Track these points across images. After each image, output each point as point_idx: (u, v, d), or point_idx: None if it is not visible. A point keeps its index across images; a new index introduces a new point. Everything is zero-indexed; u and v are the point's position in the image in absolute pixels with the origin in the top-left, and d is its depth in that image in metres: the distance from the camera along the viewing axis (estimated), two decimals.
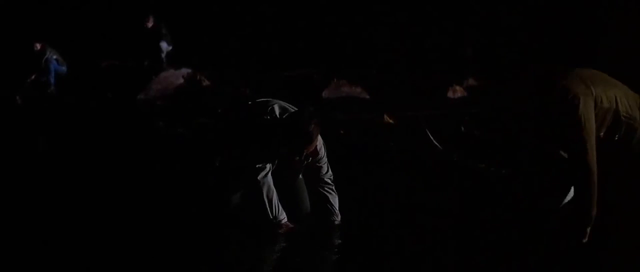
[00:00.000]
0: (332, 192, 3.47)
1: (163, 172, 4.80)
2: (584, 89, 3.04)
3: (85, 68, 10.93)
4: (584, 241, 3.08)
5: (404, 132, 6.55)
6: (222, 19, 11.75)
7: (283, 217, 3.33)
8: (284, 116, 3.31)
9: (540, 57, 9.44)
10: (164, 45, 10.76)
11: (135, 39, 10.78)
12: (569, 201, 3.32)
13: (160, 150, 6.00)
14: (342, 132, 6.52)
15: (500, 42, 10.78)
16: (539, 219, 3.45)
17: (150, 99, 9.80)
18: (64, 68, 10.86)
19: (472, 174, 4.68)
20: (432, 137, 5.52)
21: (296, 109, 3.37)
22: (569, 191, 3.32)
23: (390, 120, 7.32)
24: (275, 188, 3.31)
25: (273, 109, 3.34)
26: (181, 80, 10.13)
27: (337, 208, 3.47)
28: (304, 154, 3.27)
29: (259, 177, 3.26)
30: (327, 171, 3.45)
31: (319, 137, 3.33)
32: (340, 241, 3.30)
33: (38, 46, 10.55)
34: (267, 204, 3.28)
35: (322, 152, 3.40)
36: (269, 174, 3.30)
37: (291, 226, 3.35)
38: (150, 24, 10.69)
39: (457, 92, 10.05)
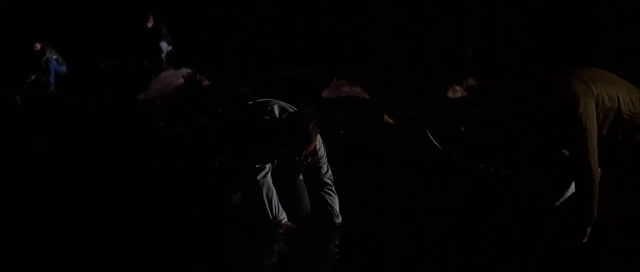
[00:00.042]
0: (332, 194, 3.46)
1: (163, 173, 4.80)
2: (584, 89, 3.04)
3: (85, 68, 10.93)
4: (584, 241, 3.08)
5: (404, 132, 6.55)
6: (222, 19, 11.76)
7: (283, 217, 3.33)
8: (283, 116, 3.31)
9: (540, 57, 9.45)
10: (164, 45, 10.76)
11: (135, 39, 10.78)
12: (569, 198, 3.32)
13: (160, 150, 6.00)
14: (342, 132, 6.52)
15: (500, 42, 10.79)
16: (539, 219, 3.45)
17: (150, 99, 9.80)
18: (64, 68, 10.86)
19: (472, 174, 4.68)
20: (432, 137, 5.52)
21: (296, 109, 3.37)
22: (568, 186, 3.33)
23: (390, 120, 7.33)
24: (276, 188, 3.31)
25: (273, 109, 3.34)
26: (181, 80, 10.13)
27: (338, 209, 3.47)
28: (303, 154, 3.27)
29: (258, 178, 3.26)
30: (327, 171, 3.45)
31: (319, 138, 3.33)
32: (340, 241, 3.30)
33: (38, 46, 10.56)
34: (266, 204, 3.28)
35: (322, 152, 3.40)
36: (269, 174, 3.29)
37: (291, 225, 3.35)
38: (150, 24, 10.70)
39: (457, 92, 10.05)
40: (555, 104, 3.04)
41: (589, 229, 3.08)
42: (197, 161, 4.70)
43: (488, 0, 11.25)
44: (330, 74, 10.19)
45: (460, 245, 3.27)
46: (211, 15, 11.73)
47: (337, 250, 3.22)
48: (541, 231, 3.34)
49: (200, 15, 11.68)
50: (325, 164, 3.44)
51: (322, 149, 3.40)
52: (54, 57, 10.68)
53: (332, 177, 3.47)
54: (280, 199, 3.33)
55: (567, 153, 3.20)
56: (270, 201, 3.29)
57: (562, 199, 3.39)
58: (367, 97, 9.85)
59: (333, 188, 3.47)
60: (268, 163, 3.28)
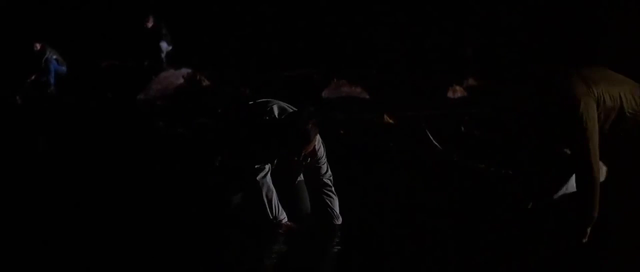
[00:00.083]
0: (332, 195, 3.46)
1: (163, 173, 4.80)
2: (585, 89, 3.04)
3: (85, 68, 10.94)
4: (584, 241, 3.08)
5: (404, 132, 6.55)
6: (222, 19, 11.76)
7: (283, 217, 3.33)
8: (282, 117, 3.31)
9: (540, 57, 9.45)
10: (164, 45, 10.77)
11: (135, 39, 10.79)
12: (569, 195, 3.32)
13: (160, 150, 6.00)
14: (342, 132, 6.52)
15: (500, 42, 10.79)
16: (539, 219, 3.45)
17: (150, 99, 9.80)
18: (64, 68, 10.87)
19: (472, 174, 4.68)
20: (431, 137, 5.52)
21: (296, 109, 3.37)
22: (567, 180, 3.33)
23: (390, 120, 7.33)
24: (276, 188, 3.31)
25: (272, 109, 3.33)
26: (181, 80, 10.13)
27: (338, 210, 3.47)
28: (302, 154, 3.26)
29: (258, 178, 3.26)
30: (327, 171, 3.45)
31: (318, 138, 3.33)
32: (340, 241, 3.30)
33: (38, 46, 10.56)
34: (266, 204, 3.28)
35: (321, 152, 3.40)
36: (268, 174, 3.29)
37: (291, 225, 3.35)
38: (150, 24, 10.70)
39: (457, 92, 10.06)
40: (556, 104, 3.04)
41: (589, 229, 3.08)
42: (197, 161, 4.70)
43: (488, 0, 11.25)
44: (330, 74, 10.19)
45: (460, 245, 3.27)
46: (211, 15, 11.73)
47: (337, 250, 3.22)
48: (541, 231, 3.34)
49: (200, 15, 11.69)
50: (325, 164, 3.44)
51: (322, 149, 3.40)
52: (54, 57, 10.68)
53: (331, 178, 3.47)
54: (281, 199, 3.33)
55: (568, 152, 3.20)
56: (270, 201, 3.29)
57: (560, 193, 3.39)
58: (367, 97, 9.86)
59: (333, 189, 3.46)
60: (268, 163, 3.28)
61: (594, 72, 3.17)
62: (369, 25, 11.59)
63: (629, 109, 3.12)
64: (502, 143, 4.19)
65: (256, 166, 3.26)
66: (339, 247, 3.24)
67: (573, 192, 3.24)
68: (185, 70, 10.25)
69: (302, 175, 3.51)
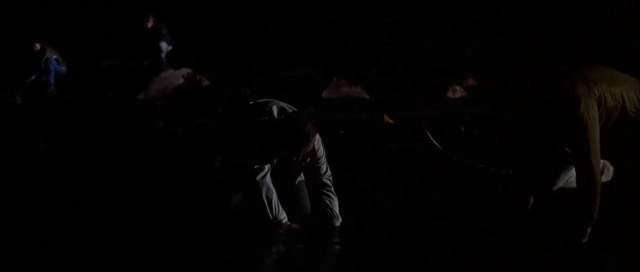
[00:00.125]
0: (332, 195, 3.46)
1: (163, 173, 4.80)
2: (585, 90, 3.03)
3: (85, 68, 10.94)
4: (584, 240, 3.08)
5: (404, 132, 6.55)
6: (222, 19, 11.76)
7: (283, 217, 3.33)
8: (281, 117, 3.31)
9: (540, 57, 9.45)
10: (164, 45, 10.77)
11: (135, 39, 10.79)
12: (569, 186, 3.32)
13: (160, 150, 6.00)
14: (342, 132, 6.52)
15: (500, 42, 10.79)
16: (539, 219, 3.45)
17: (150, 99, 9.81)
18: (64, 68, 10.87)
19: (472, 174, 4.68)
20: (431, 137, 5.52)
21: (295, 109, 3.37)
22: (567, 172, 3.33)
23: (390, 120, 7.33)
24: (276, 188, 3.31)
25: (271, 109, 3.33)
26: (181, 80, 10.14)
27: (337, 211, 3.47)
28: (301, 154, 3.27)
29: (257, 178, 3.26)
30: (326, 171, 3.45)
31: (318, 138, 3.33)
32: (340, 241, 3.30)
33: (38, 46, 10.56)
34: (266, 204, 3.28)
35: (321, 152, 3.40)
36: (268, 174, 3.29)
37: (292, 226, 3.35)
38: (150, 24, 10.70)
39: (457, 92, 10.06)
40: (556, 104, 3.04)
41: (589, 229, 3.08)
42: (197, 161, 4.70)
43: (488, 0, 11.25)
44: (330, 74, 10.19)
45: (460, 245, 3.27)
46: (211, 15, 11.73)
47: (337, 250, 3.22)
48: (541, 231, 3.34)
49: (200, 15, 11.69)
50: (325, 164, 3.44)
51: (321, 149, 3.40)
52: (54, 57, 10.68)
53: (331, 178, 3.47)
54: (281, 200, 3.33)
55: (568, 151, 3.21)
56: (269, 201, 3.29)
57: (560, 184, 3.39)
58: (367, 97, 9.86)
59: (332, 189, 3.46)
60: (267, 163, 3.28)
61: (595, 71, 3.17)
62: (369, 25, 11.59)
63: (631, 109, 3.12)
64: (502, 143, 4.18)
65: (256, 166, 3.26)
66: (339, 247, 3.24)
67: (573, 187, 3.24)
68: (185, 70, 10.25)
69: (302, 175, 3.51)
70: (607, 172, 3.57)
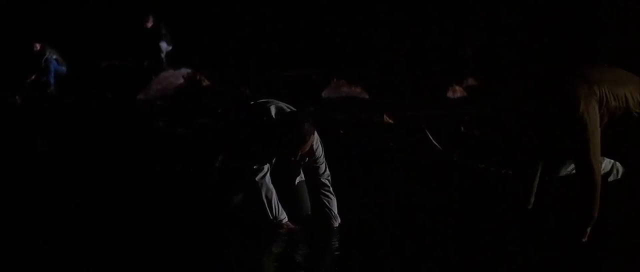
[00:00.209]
0: (330, 195, 3.45)
1: (163, 173, 4.80)
2: (586, 90, 3.03)
3: (85, 68, 10.94)
4: (584, 240, 3.08)
5: (404, 132, 6.55)
6: (222, 19, 11.76)
7: (283, 217, 3.33)
8: (278, 117, 3.31)
9: (540, 57, 9.45)
10: (163, 45, 10.77)
11: (135, 39, 10.79)
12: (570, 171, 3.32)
13: (160, 150, 6.00)
14: (342, 132, 6.52)
15: (500, 42, 10.79)
16: (539, 219, 3.45)
17: (150, 99, 9.81)
18: (64, 68, 10.87)
19: (472, 174, 4.68)
20: (431, 137, 5.52)
21: (295, 109, 3.38)
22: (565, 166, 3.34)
23: (390, 121, 7.33)
24: (276, 188, 3.31)
25: (269, 109, 3.33)
26: (181, 80, 10.14)
27: (336, 211, 3.47)
28: (299, 154, 3.27)
29: (257, 178, 3.26)
30: (325, 170, 3.45)
31: (317, 138, 3.33)
32: (340, 241, 3.30)
33: (38, 46, 10.56)
34: (266, 204, 3.28)
35: (319, 152, 3.40)
36: (268, 174, 3.29)
37: (292, 226, 3.35)
38: (150, 24, 10.70)
39: (457, 92, 10.06)
40: (556, 104, 3.04)
41: (589, 229, 3.08)
42: (197, 161, 4.70)
43: (488, 0, 11.25)
44: (330, 74, 10.19)
45: (460, 245, 3.27)
46: (211, 15, 11.73)
47: (337, 250, 3.22)
48: (541, 231, 3.34)
49: (200, 15, 11.68)
50: (323, 164, 3.43)
51: (320, 149, 3.40)
52: (54, 57, 10.68)
53: (330, 178, 3.46)
54: (281, 200, 3.33)
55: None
56: (269, 201, 3.29)
57: (562, 172, 3.40)
58: (367, 97, 9.86)
59: (331, 189, 3.46)
60: (266, 164, 3.28)
61: (598, 71, 3.16)
62: (369, 25, 11.59)
63: (635, 109, 3.11)
64: (502, 143, 4.18)
65: (255, 167, 3.26)
66: (339, 247, 3.24)
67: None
68: (185, 70, 10.26)
69: (302, 175, 3.51)
70: (616, 172, 3.58)
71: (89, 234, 3.34)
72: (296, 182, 3.52)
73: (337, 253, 3.19)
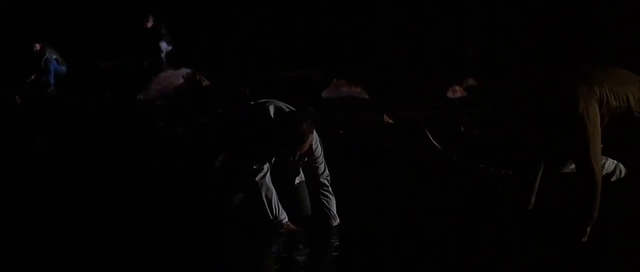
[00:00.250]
0: (329, 195, 3.46)
1: (163, 173, 4.80)
2: (586, 90, 3.03)
3: (85, 68, 10.94)
4: (584, 240, 3.08)
5: (404, 132, 6.55)
6: (222, 19, 11.76)
7: (283, 217, 3.33)
8: (277, 117, 3.31)
9: (540, 57, 9.45)
10: (163, 46, 10.77)
11: (135, 39, 10.79)
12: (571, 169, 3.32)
13: (160, 150, 6.00)
14: (342, 132, 6.52)
15: (500, 42, 10.79)
16: (539, 219, 3.45)
17: (150, 99, 9.81)
18: (63, 68, 10.87)
19: (472, 174, 4.68)
20: (431, 137, 5.52)
21: (294, 109, 3.38)
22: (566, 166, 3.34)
23: (390, 121, 7.33)
24: (276, 188, 3.31)
25: (268, 109, 3.33)
26: (181, 80, 10.14)
27: (335, 211, 3.47)
28: (298, 154, 3.27)
29: (257, 178, 3.26)
30: (324, 170, 3.45)
31: (316, 137, 3.33)
32: (340, 241, 3.30)
33: (38, 46, 10.56)
34: (266, 204, 3.28)
35: (319, 152, 3.40)
36: (268, 174, 3.30)
37: (292, 226, 3.35)
38: (150, 24, 10.70)
39: (457, 92, 10.06)
40: (556, 104, 3.04)
41: (589, 229, 3.08)
42: (197, 161, 4.70)
43: (488, 0, 11.25)
44: (330, 74, 10.19)
45: (460, 245, 3.27)
46: (211, 15, 11.73)
47: (337, 250, 3.22)
48: (541, 231, 3.34)
49: (200, 15, 11.68)
50: (323, 164, 3.43)
51: (319, 148, 3.40)
52: (54, 57, 10.68)
53: (329, 178, 3.46)
54: (281, 200, 3.33)
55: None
56: (269, 201, 3.29)
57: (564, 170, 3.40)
58: (367, 97, 9.86)
59: (330, 189, 3.46)
60: (266, 164, 3.28)
61: (599, 71, 3.15)
62: (369, 25, 11.59)
63: (636, 109, 3.10)
64: (502, 143, 4.18)
65: (255, 167, 3.26)
66: (339, 247, 3.24)
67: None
68: (185, 70, 10.26)
69: (302, 176, 3.51)
70: (619, 172, 3.57)
71: (89, 234, 3.34)
72: (296, 182, 3.52)
73: (337, 253, 3.19)
